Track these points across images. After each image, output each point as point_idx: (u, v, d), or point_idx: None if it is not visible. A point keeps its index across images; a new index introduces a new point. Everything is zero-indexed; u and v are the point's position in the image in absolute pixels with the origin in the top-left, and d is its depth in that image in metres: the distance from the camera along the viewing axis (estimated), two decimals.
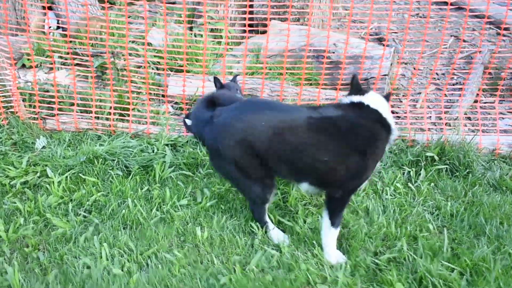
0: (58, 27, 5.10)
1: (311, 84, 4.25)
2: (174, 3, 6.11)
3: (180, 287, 2.54)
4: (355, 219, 2.99)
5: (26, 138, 3.65)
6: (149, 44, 4.87)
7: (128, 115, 3.81)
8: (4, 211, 3.06)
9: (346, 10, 5.88)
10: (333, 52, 4.26)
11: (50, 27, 5.03)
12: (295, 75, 4.27)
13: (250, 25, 3.94)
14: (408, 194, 3.19)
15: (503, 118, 4.15)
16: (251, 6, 4.95)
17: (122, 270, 2.62)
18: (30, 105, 3.82)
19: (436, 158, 3.38)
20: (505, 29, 5.26)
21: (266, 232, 2.88)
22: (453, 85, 4.65)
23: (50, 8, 5.13)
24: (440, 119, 3.95)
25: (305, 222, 2.97)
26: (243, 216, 3.02)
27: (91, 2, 5.14)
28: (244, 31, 3.95)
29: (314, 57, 4.33)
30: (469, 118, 4.18)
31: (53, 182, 3.23)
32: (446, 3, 4.00)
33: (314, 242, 2.82)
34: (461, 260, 2.63)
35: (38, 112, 3.78)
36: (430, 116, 4.20)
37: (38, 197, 3.11)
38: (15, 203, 3.09)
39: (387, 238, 2.88)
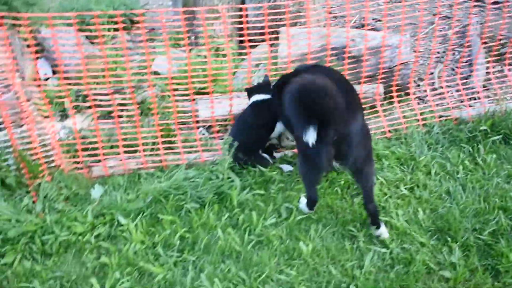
0: (54, 72, 4.87)
1: None
2: (153, 29, 6.00)
3: None
4: (442, 203, 3.08)
5: (76, 190, 3.45)
6: (156, 73, 4.76)
7: (173, 148, 3.70)
8: (91, 269, 2.89)
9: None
10: (354, 47, 4.35)
11: (45, 74, 4.80)
12: None
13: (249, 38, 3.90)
14: (477, 170, 3.32)
15: None
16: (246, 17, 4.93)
17: None
18: (72, 156, 3.62)
19: (489, 130, 3.55)
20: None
21: None
22: (457, 61, 4.87)
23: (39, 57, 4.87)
24: (460, 95, 4.15)
25: (397, 214, 3.02)
26: (336, 222, 3.03)
27: (83, 41, 4.95)
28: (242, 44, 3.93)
29: (335, 56, 4.40)
30: (487, 89, 4.40)
31: (127, 229, 3.09)
32: None
33: (414, 233, 2.89)
34: None
35: (82, 161, 3.59)
36: (453, 94, 4.38)
37: (121, 247, 2.96)
38: (99, 258, 2.93)
39: (479, 214, 2.99)
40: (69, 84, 3.82)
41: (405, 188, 3.21)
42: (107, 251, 2.99)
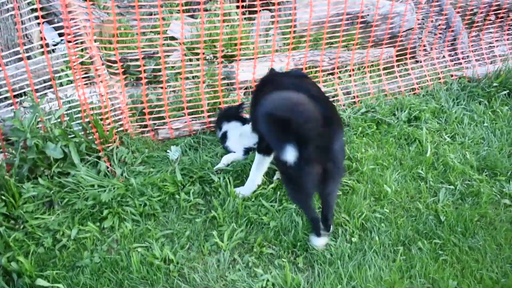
0: (61, 40, 4.64)
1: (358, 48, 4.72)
2: None
3: None
4: (482, 147, 3.69)
5: (150, 153, 3.51)
6: (172, 38, 4.78)
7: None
8: (200, 224, 3.04)
9: None
10: (368, 15, 4.77)
11: (53, 40, 4.57)
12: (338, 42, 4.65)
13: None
14: (499, 119, 3.98)
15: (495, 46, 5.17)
16: None
17: None
18: (138, 120, 3.62)
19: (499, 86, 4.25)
20: None
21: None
22: (437, 27, 5.53)
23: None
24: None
25: (451, 158, 3.57)
26: (403, 167, 3.50)
27: (93, 7, 4.76)
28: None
29: (350, 23, 4.78)
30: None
31: (219, 185, 3.26)
32: None
33: (470, 171, 3.47)
34: None
35: (149, 124, 3.62)
36: (444, 56, 5.03)
37: (221, 202, 3.16)
38: (206, 213, 3.09)
39: None
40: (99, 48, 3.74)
41: (448, 136, 3.77)
42: (209, 207, 3.15)
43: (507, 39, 4.98)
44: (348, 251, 2.87)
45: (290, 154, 2.37)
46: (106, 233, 3.01)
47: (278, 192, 3.23)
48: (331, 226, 2.95)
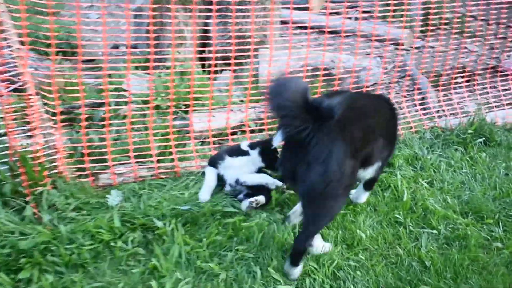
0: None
1: None
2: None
3: None
4: (463, 192, 3.32)
5: (86, 199, 3.01)
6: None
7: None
8: (138, 275, 2.50)
9: None
10: (333, 68, 4.62)
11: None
12: None
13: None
14: (477, 164, 3.66)
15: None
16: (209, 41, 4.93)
17: None
18: (76, 162, 3.17)
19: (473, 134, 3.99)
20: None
21: None
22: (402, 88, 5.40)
23: None
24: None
25: (430, 202, 3.18)
26: (378, 213, 3.08)
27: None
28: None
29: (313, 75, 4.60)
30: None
31: (165, 232, 2.76)
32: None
33: (453, 215, 3.06)
34: None
35: (88, 167, 3.16)
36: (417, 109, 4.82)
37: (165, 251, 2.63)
38: (145, 264, 2.56)
39: (497, 198, 3.29)
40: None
41: (425, 182, 3.40)
42: (150, 256, 2.62)
43: (480, 97, 4.83)
44: None
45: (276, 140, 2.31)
46: (21, 286, 2.43)
47: (235, 239, 2.75)
48: (297, 257, 2.48)
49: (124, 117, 3.46)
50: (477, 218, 3.07)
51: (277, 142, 2.36)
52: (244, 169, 3.14)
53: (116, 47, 5.72)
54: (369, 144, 2.49)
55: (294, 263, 2.48)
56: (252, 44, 3.84)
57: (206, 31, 4.51)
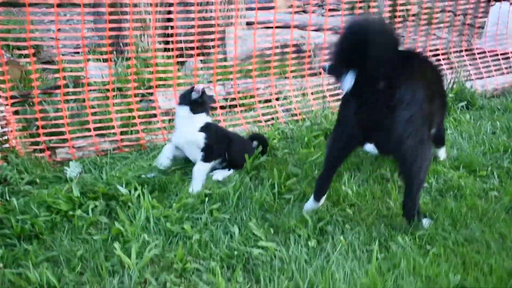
0: None
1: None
2: None
3: None
4: (451, 150, 3.14)
5: (43, 174, 2.70)
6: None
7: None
8: (100, 242, 2.19)
9: None
10: (304, 44, 4.45)
11: None
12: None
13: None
14: (463, 124, 3.52)
15: None
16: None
17: None
18: (29, 135, 2.86)
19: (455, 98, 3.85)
20: None
21: None
22: None
23: None
24: None
25: None
26: (365, 171, 2.86)
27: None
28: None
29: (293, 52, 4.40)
30: None
31: (130, 199, 2.47)
32: None
33: (445, 169, 2.86)
34: None
35: (44, 141, 2.85)
36: None
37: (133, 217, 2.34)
38: (109, 231, 2.26)
39: (486, 153, 3.11)
40: None
41: None
42: (114, 225, 2.31)
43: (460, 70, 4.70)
44: (304, 256, 2.09)
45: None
46: None
47: (208, 200, 2.48)
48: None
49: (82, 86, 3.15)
50: (469, 171, 2.87)
51: (347, 86, 2.13)
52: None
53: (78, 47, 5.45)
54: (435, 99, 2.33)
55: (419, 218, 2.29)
56: (216, 26, 3.62)
57: (169, 19, 4.29)
